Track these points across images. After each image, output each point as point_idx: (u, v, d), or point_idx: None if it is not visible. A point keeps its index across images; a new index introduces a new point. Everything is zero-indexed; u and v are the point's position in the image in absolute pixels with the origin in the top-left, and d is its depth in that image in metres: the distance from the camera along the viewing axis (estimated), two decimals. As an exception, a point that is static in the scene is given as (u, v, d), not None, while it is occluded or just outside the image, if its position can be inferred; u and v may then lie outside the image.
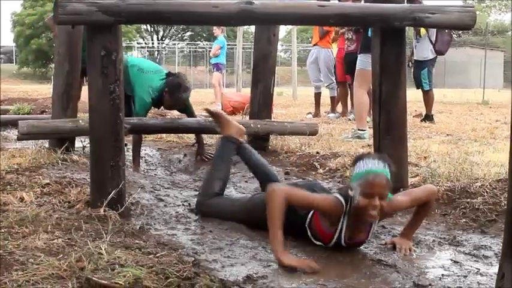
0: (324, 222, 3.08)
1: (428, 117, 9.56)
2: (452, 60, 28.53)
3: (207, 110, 4.46)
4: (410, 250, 3.15)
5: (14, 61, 44.37)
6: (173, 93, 5.45)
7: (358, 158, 3.00)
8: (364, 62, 6.70)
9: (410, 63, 9.74)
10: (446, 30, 9.16)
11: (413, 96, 10.53)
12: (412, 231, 3.29)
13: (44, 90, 16.82)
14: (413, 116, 10.10)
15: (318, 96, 11.12)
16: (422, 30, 9.37)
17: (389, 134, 4.03)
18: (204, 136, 6.24)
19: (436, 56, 9.68)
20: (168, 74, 5.60)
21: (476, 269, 2.90)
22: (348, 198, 2.96)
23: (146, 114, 5.66)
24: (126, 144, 5.54)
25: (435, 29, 8.98)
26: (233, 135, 4.01)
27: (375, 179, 2.86)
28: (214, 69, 14.52)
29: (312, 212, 3.12)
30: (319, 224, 3.11)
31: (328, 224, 3.06)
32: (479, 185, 4.04)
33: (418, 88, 9.77)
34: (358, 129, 7.08)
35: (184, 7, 3.53)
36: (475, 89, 21.77)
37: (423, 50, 9.57)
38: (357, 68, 7.07)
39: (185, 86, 5.53)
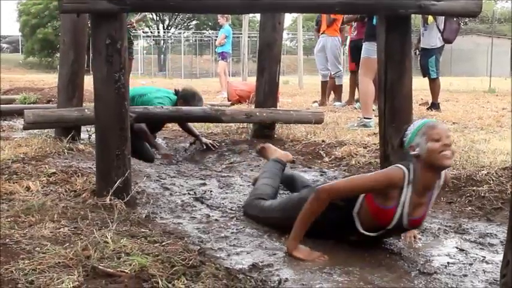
0: (380, 201, 2.86)
1: (434, 106, 9.51)
2: (458, 48, 28.31)
3: (258, 152, 4.47)
4: (415, 238, 3.15)
5: (20, 51, 44.37)
6: (188, 101, 5.73)
7: (407, 126, 2.96)
8: (369, 50, 6.67)
9: (417, 51, 9.69)
10: (455, 19, 9.09)
11: (419, 84, 10.50)
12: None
13: (50, 80, 16.83)
14: (420, 104, 10.05)
15: (324, 84, 11.08)
16: (430, 18, 9.30)
17: (395, 122, 4.01)
18: (210, 125, 6.25)
19: (444, 44, 9.61)
20: (177, 91, 5.84)
21: (482, 256, 2.91)
22: (409, 167, 2.85)
23: None
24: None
25: (443, 17, 8.91)
26: (280, 158, 4.00)
27: (437, 124, 2.88)
28: (220, 58, 14.50)
29: (362, 197, 2.92)
30: (373, 205, 2.88)
31: (386, 200, 2.85)
32: (485, 173, 4.04)
33: (424, 76, 9.72)
34: (364, 118, 7.05)
35: (189, -5, 3.52)
36: (482, 77, 21.62)
37: (431, 38, 9.50)
38: (362, 57, 7.04)
39: (199, 95, 5.92)
